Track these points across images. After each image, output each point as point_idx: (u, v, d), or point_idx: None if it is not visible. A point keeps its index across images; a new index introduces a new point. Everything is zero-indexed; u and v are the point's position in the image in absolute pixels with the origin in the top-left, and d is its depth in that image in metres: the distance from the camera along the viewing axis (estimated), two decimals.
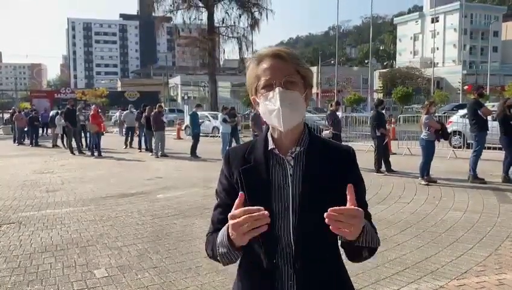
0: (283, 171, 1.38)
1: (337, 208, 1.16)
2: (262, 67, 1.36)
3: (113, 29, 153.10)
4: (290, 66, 1.35)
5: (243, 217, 1.17)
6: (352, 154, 1.44)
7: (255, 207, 1.18)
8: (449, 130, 14.01)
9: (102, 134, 16.65)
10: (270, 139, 1.42)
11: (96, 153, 15.20)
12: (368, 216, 1.43)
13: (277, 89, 1.32)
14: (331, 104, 12.73)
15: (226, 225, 1.27)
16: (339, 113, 13.79)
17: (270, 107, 1.33)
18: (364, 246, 1.27)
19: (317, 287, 1.34)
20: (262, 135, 1.47)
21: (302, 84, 1.38)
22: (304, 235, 1.32)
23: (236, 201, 1.22)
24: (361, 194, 1.44)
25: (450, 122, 15.45)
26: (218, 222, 1.44)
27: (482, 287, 3.88)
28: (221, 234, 1.31)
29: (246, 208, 1.18)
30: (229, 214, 1.21)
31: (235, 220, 1.18)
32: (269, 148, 1.40)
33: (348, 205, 1.19)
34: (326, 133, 11.77)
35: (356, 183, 1.39)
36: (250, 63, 1.40)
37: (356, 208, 1.18)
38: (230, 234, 1.23)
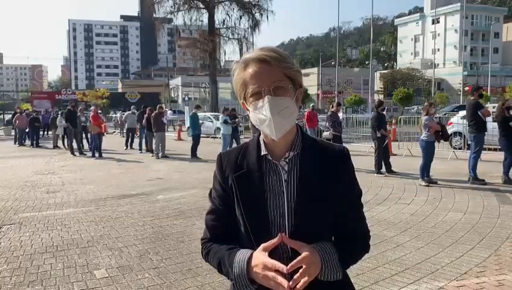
0: (277, 177, 1.35)
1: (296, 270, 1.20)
2: (249, 74, 1.30)
3: (114, 31, 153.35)
4: (277, 70, 1.29)
5: (275, 282, 1.20)
6: (346, 154, 1.40)
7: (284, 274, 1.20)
8: (449, 132, 14.03)
9: (103, 135, 16.65)
10: (262, 144, 1.38)
11: (96, 154, 15.22)
12: (361, 219, 1.45)
13: (266, 98, 1.27)
14: (332, 105, 12.75)
15: (246, 255, 1.28)
16: (340, 114, 13.82)
17: (261, 116, 1.29)
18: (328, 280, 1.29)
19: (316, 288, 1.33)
20: (254, 138, 1.43)
21: (291, 87, 1.33)
22: (301, 240, 1.29)
23: (274, 240, 1.25)
24: (354, 198, 1.42)
25: (450, 123, 15.45)
26: (213, 228, 1.44)
27: (482, 288, 3.88)
28: (239, 267, 1.28)
29: (280, 267, 1.20)
30: (266, 264, 1.22)
31: (268, 274, 1.21)
32: (262, 154, 1.37)
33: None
34: (326, 135, 11.79)
35: (349, 185, 1.40)
36: (236, 68, 1.35)
37: (301, 258, 1.21)
38: (254, 274, 1.24)
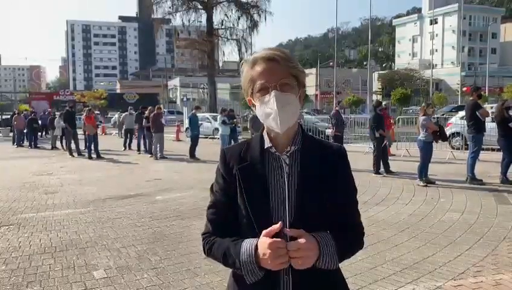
0: (279, 169, 1.42)
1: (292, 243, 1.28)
2: (257, 71, 1.39)
3: (112, 31, 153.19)
4: (284, 68, 1.38)
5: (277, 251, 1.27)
6: (343, 153, 1.49)
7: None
8: (449, 132, 14.06)
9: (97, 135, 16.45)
10: (266, 138, 1.45)
11: (94, 155, 15.19)
12: (356, 215, 1.50)
13: (273, 93, 1.36)
14: (336, 104, 12.95)
15: (253, 243, 1.33)
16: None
17: (267, 110, 1.37)
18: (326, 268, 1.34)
19: (312, 282, 1.38)
20: (257, 134, 1.50)
21: (296, 85, 1.42)
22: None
23: (276, 226, 1.30)
24: (350, 193, 1.49)
25: (449, 124, 15.47)
26: (215, 221, 1.49)
27: (479, 287, 3.90)
28: (247, 254, 1.33)
29: (282, 241, 1.28)
30: (270, 242, 1.28)
31: (274, 250, 1.27)
32: (265, 146, 1.44)
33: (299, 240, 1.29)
34: (329, 132, 12.00)
35: (346, 181, 1.47)
36: (245, 66, 1.44)
37: (299, 241, 1.27)
38: (262, 256, 1.29)
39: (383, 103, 14.93)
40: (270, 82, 1.37)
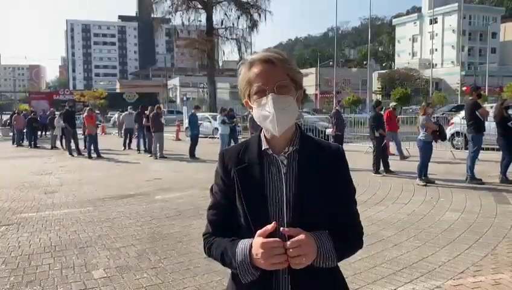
0: (277, 171, 1.41)
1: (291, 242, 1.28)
2: (254, 73, 1.38)
3: (112, 31, 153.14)
4: (281, 70, 1.37)
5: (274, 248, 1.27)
6: (341, 153, 1.48)
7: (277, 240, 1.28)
8: (451, 132, 14.07)
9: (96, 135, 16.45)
10: (263, 139, 1.45)
11: (94, 155, 15.19)
12: (355, 215, 1.50)
13: (270, 96, 1.35)
14: (336, 104, 13.00)
15: (248, 243, 1.33)
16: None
17: (264, 113, 1.37)
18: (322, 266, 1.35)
19: (311, 281, 1.37)
20: (255, 134, 1.50)
21: (293, 87, 1.41)
22: None
23: (269, 227, 1.30)
24: (349, 193, 1.49)
25: (452, 123, 15.44)
26: (215, 221, 1.49)
27: (478, 287, 3.90)
28: (242, 254, 1.33)
29: (277, 240, 1.28)
30: (262, 241, 1.28)
31: (266, 249, 1.27)
32: (263, 148, 1.43)
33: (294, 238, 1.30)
34: (329, 131, 12.05)
35: (344, 181, 1.46)
36: (242, 68, 1.43)
37: (298, 238, 1.28)
38: (255, 256, 1.30)
39: (392, 104, 14.90)
40: (267, 84, 1.36)
